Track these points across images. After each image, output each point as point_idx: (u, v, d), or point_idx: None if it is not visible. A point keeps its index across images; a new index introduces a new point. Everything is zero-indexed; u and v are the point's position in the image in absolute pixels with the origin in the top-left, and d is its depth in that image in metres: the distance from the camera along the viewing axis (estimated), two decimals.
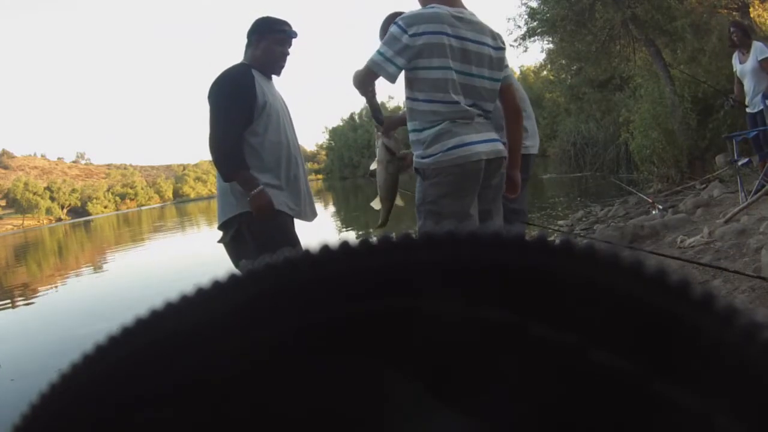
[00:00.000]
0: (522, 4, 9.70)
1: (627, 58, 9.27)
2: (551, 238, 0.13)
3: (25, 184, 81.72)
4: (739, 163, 4.51)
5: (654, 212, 4.92)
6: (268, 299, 0.14)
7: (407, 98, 1.93)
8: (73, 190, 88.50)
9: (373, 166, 2.15)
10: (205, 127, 2.17)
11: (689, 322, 0.12)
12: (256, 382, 0.15)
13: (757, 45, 4.91)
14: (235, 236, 2.15)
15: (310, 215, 2.31)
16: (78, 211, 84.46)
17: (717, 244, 3.30)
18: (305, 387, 0.15)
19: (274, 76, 2.30)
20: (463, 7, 1.95)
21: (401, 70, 1.86)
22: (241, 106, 2.11)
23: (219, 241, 2.23)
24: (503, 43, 2.01)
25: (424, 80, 1.85)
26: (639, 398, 0.13)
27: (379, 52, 1.86)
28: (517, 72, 30.18)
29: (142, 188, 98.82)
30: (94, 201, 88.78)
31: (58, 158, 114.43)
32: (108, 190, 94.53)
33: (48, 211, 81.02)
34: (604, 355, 0.13)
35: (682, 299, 0.12)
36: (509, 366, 0.14)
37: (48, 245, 22.66)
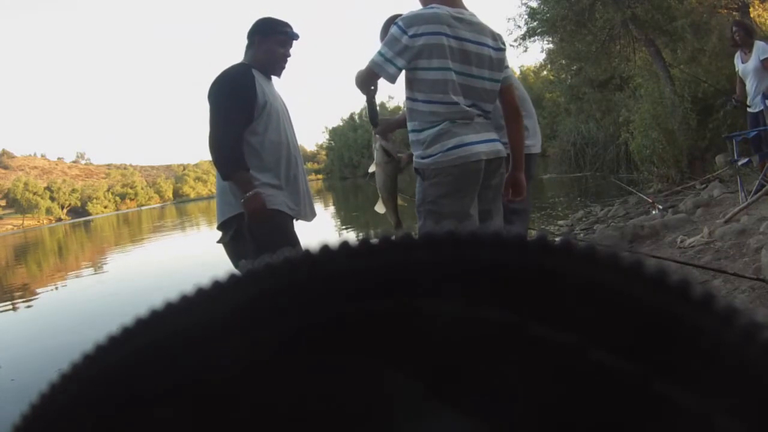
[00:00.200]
0: (522, 4, 9.72)
1: (627, 58, 9.27)
2: (551, 238, 0.13)
3: (25, 184, 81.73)
4: (739, 163, 4.51)
5: (654, 212, 4.92)
6: (268, 299, 0.14)
7: (407, 98, 1.93)
8: (73, 190, 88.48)
9: (372, 168, 2.15)
10: (205, 127, 2.17)
11: (689, 322, 0.12)
12: (256, 382, 0.15)
13: (759, 44, 4.91)
14: (234, 236, 2.15)
15: (309, 215, 2.31)
16: (78, 211, 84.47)
17: (717, 244, 3.30)
18: (305, 387, 0.15)
19: (274, 77, 2.30)
20: (463, 7, 1.95)
21: (401, 71, 1.86)
22: (240, 105, 2.11)
23: (219, 242, 2.23)
24: (503, 43, 2.01)
25: (423, 81, 1.85)
26: (639, 398, 0.13)
27: (379, 53, 1.86)
28: (517, 72, 30.21)
29: (142, 188, 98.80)
30: (94, 201, 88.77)
31: (58, 158, 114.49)
32: (108, 190, 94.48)
33: (48, 211, 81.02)
34: (604, 355, 0.13)
35: (682, 299, 0.12)
36: (509, 366, 0.14)
37: (48, 245, 22.66)
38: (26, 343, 4.56)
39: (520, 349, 0.14)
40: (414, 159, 1.94)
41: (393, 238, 0.14)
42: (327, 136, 52.67)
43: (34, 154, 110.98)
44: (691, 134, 7.34)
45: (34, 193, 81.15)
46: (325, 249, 0.14)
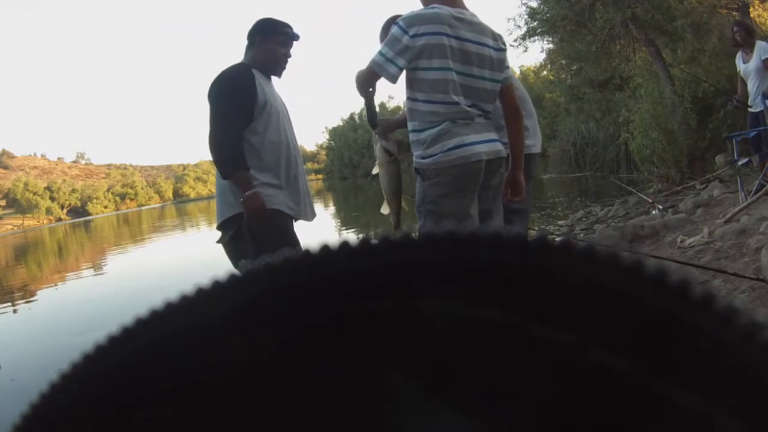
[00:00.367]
0: (522, 4, 9.72)
1: (627, 58, 9.27)
2: (551, 238, 0.13)
3: (25, 184, 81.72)
4: (739, 163, 4.51)
5: (654, 212, 4.92)
6: (268, 299, 0.14)
7: (407, 98, 1.93)
8: (73, 190, 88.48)
9: (375, 170, 2.15)
10: (206, 127, 2.17)
11: (689, 322, 0.12)
12: (256, 382, 0.15)
13: (760, 44, 4.91)
14: (234, 236, 2.15)
15: (309, 215, 2.31)
16: (78, 211, 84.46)
17: (717, 244, 3.30)
18: (305, 387, 0.15)
19: (274, 78, 2.30)
20: (464, 7, 1.95)
21: (402, 71, 1.86)
22: (240, 105, 2.11)
23: (218, 241, 2.23)
24: (504, 44, 2.01)
25: (424, 81, 1.85)
26: (639, 398, 0.13)
27: (380, 53, 1.86)
28: (517, 72, 30.21)
29: (142, 188, 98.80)
30: (94, 201, 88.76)
31: (58, 158, 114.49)
32: (108, 190, 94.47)
33: (48, 211, 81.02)
34: (604, 355, 0.13)
35: (682, 299, 0.12)
36: (509, 366, 0.14)
37: (48, 245, 22.66)
38: (26, 343, 4.56)
39: (520, 349, 0.14)
40: (414, 159, 1.94)
41: (393, 238, 0.14)
42: (327, 136, 52.70)
43: (34, 154, 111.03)
44: (691, 134, 7.34)
45: (34, 193, 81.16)
46: (325, 249, 0.14)
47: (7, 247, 25.86)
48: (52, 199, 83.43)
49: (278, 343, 0.15)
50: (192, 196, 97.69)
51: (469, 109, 1.88)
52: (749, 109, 5.12)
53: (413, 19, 1.84)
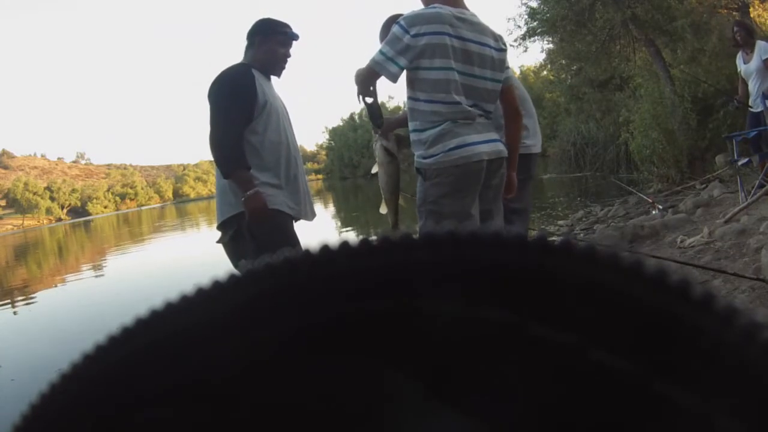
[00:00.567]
0: (522, 4, 9.72)
1: (627, 58, 9.27)
2: (551, 238, 0.13)
3: (25, 184, 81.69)
4: (739, 163, 4.51)
5: (654, 212, 4.91)
6: (268, 299, 0.14)
7: (408, 98, 1.93)
8: (73, 190, 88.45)
9: (375, 169, 2.15)
10: (206, 127, 2.17)
11: (689, 323, 0.12)
12: (256, 382, 0.15)
13: (761, 44, 4.91)
14: (234, 236, 2.15)
15: (309, 215, 2.31)
16: (78, 211, 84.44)
17: (717, 244, 3.30)
18: (305, 387, 0.15)
19: (273, 78, 2.30)
20: (465, 7, 1.95)
21: (403, 70, 1.86)
22: (240, 105, 2.12)
23: (218, 241, 2.23)
24: (504, 44, 2.02)
25: (425, 80, 1.85)
26: (639, 398, 0.13)
27: (381, 52, 1.86)
28: (517, 72, 30.22)
29: (142, 188, 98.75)
30: (94, 201, 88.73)
31: (58, 158, 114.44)
32: (108, 190, 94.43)
33: (48, 211, 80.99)
34: (604, 355, 0.13)
35: (682, 299, 0.12)
36: (509, 366, 0.14)
37: (48, 245, 22.66)
38: (26, 343, 4.56)
39: (520, 349, 0.14)
40: (415, 159, 1.94)
41: (393, 238, 0.14)
42: (327, 136, 52.71)
43: (34, 154, 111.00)
44: (691, 134, 7.34)
45: (34, 193, 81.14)
46: (325, 249, 0.14)
47: (7, 247, 25.86)
48: (52, 199, 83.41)
49: (278, 343, 0.15)
50: (192, 196, 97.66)
51: (470, 109, 1.88)
52: (750, 109, 5.12)
53: (414, 19, 1.84)
